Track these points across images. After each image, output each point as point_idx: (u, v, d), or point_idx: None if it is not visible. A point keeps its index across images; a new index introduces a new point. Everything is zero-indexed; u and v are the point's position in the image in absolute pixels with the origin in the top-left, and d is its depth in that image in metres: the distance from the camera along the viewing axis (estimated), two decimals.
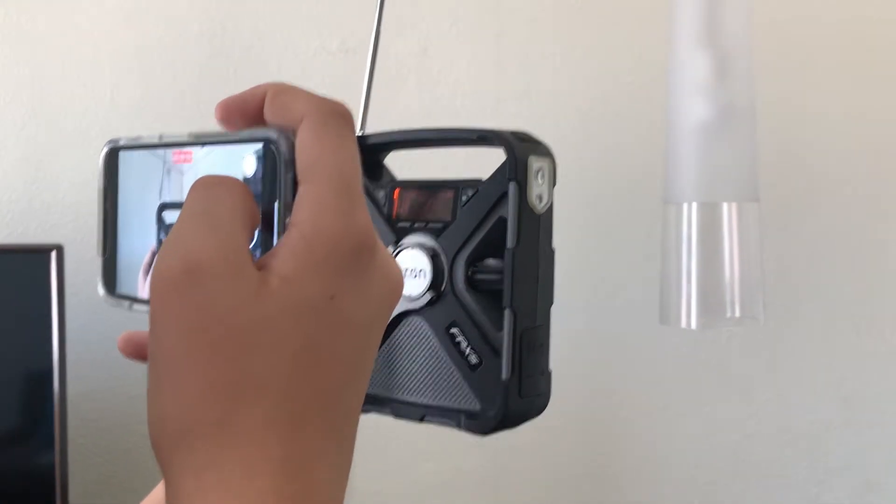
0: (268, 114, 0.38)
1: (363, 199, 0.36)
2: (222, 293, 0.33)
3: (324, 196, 0.35)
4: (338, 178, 0.35)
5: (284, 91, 0.38)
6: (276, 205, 0.37)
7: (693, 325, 0.94)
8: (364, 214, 0.36)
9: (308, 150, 0.36)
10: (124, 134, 0.46)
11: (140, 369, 1.28)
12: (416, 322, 0.50)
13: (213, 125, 0.41)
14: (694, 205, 0.92)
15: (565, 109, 1.26)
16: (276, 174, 0.37)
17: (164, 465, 0.34)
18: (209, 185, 0.36)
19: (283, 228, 0.37)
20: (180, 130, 0.43)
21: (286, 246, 0.35)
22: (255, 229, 0.37)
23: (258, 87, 0.38)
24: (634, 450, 1.31)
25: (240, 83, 0.39)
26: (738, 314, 0.93)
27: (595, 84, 1.27)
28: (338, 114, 0.37)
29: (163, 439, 0.34)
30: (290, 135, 0.37)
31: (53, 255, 1.12)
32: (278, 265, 0.34)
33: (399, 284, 0.38)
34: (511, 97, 1.27)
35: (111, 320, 1.28)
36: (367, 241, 0.35)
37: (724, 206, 0.92)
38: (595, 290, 1.28)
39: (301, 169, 0.36)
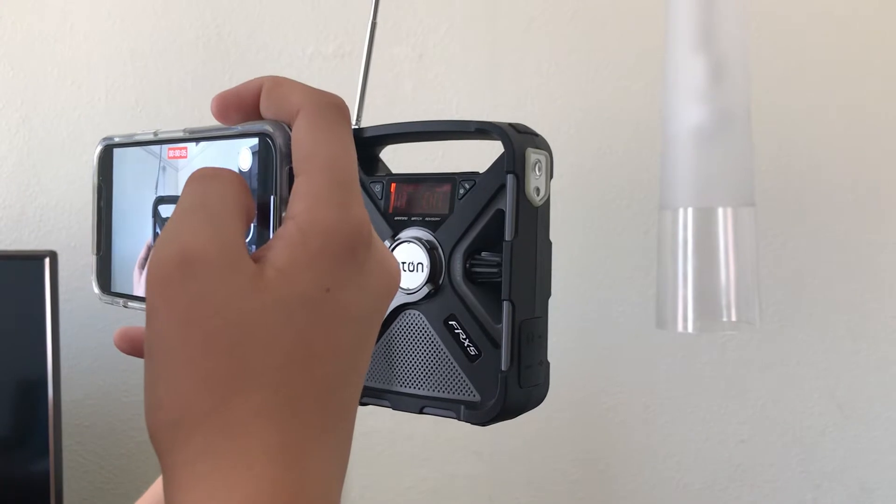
0: (264, 106, 0.38)
1: (359, 192, 0.36)
2: (218, 285, 0.33)
3: (319, 188, 0.35)
4: (333, 170, 0.35)
5: (280, 84, 0.38)
6: (272, 199, 0.37)
7: (689, 329, 0.94)
8: (360, 207, 0.36)
9: (304, 142, 0.36)
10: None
11: (134, 376, 1.28)
12: (413, 315, 0.49)
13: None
14: (690, 210, 0.92)
15: (560, 116, 1.26)
16: (272, 168, 0.37)
17: (160, 455, 0.34)
18: (205, 177, 0.36)
19: (279, 222, 0.36)
20: (175, 126, 0.43)
21: (282, 238, 0.35)
22: (250, 222, 0.37)
23: (254, 80, 0.39)
24: (630, 455, 1.31)
25: None
26: (734, 318, 0.93)
27: (590, 90, 1.27)
28: (334, 106, 0.37)
29: (159, 429, 0.34)
30: (285, 128, 0.37)
31: (47, 261, 1.12)
32: (274, 257, 0.34)
33: (396, 277, 0.38)
34: (506, 103, 1.27)
35: (105, 326, 1.29)
36: (363, 233, 0.35)
37: (720, 210, 0.92)
38: (591, 295, 1.28)
39: (297, 161, 0.36)
